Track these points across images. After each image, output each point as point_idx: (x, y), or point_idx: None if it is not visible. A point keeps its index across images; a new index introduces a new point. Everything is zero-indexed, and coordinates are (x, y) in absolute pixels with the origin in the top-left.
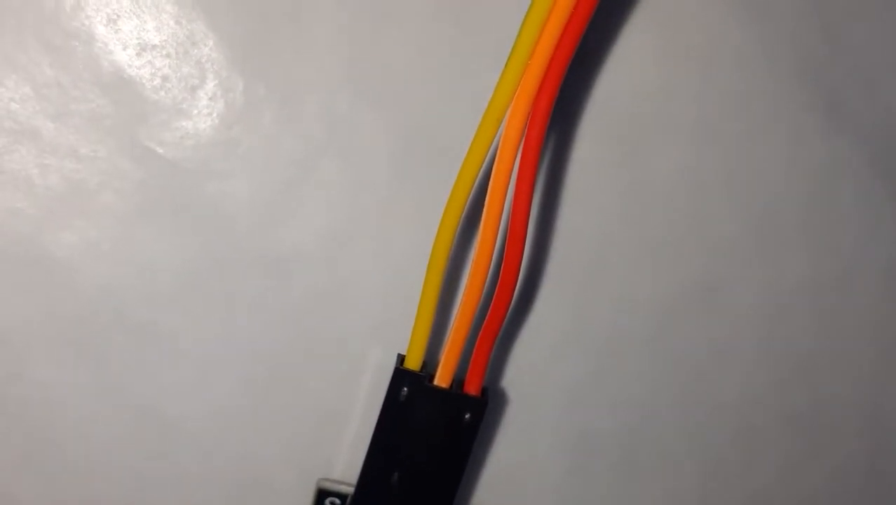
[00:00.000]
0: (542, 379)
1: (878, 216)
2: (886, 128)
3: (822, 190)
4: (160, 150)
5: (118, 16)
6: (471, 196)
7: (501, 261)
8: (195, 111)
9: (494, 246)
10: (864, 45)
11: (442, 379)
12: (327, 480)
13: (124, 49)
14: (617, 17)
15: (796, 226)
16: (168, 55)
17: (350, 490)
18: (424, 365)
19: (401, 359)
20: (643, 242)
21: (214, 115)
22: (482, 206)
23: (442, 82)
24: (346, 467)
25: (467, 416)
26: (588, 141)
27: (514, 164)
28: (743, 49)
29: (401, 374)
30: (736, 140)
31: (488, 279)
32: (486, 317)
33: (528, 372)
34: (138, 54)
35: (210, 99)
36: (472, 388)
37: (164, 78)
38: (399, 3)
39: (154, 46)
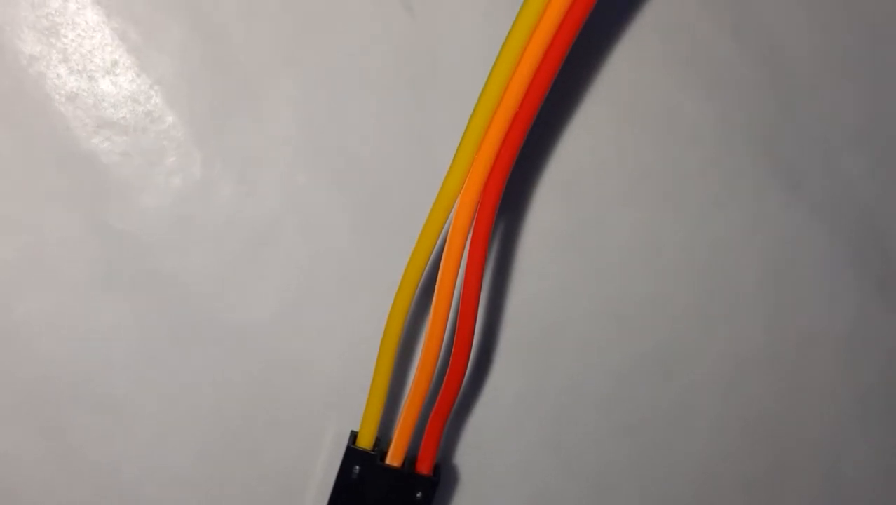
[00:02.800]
0: (497, 449)
1: (837, 284)
2: (845, 198)
3: (780, 259)
4: (118, 225)
5: (76, 94)
6: (425, 273)
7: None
8: (153, 186)
9: (445, 327)
10: (822, 116)
11: (394, 457)
12: None
13: (83, 126)
14: (575, 87)
15: (754, 294)
16: (126, 132)
17: None
18: (378, 441)
19: (353, 436)
20: (600, 310)
21: (172, 190)
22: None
23: (399, 157)
24: None
25: (419, 494)
26: (545, 208)
27: (463, 250)
28: (701, 119)
29: (352, 453)
30: (694, 209)
31: (442, 355)
32: (438, 397)
33: (483, 444)
34: (96, 131)
35: (168, 174)
36: (423, 466)
37: (123, 154)
38: (356, 79)
39: (113, 123)
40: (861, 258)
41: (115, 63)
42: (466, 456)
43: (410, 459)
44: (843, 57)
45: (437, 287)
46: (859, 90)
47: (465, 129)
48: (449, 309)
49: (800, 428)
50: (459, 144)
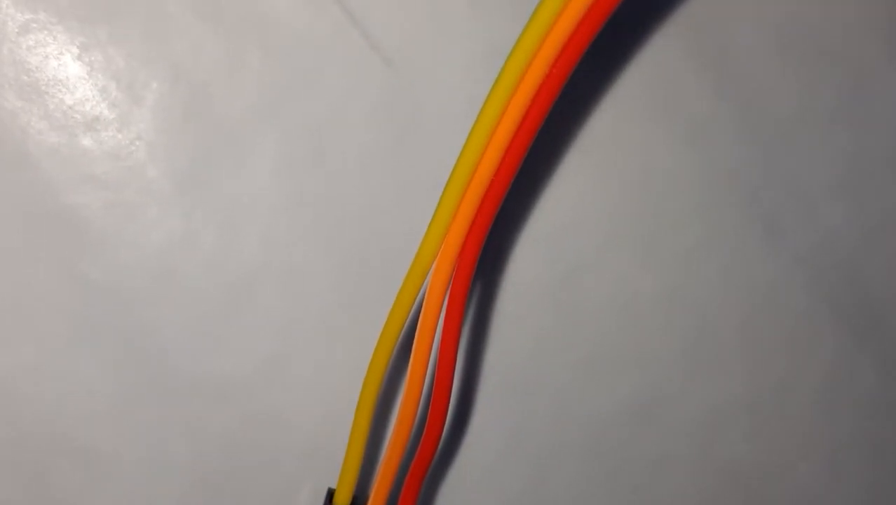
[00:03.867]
0: (477, 503)
1: (815, 333)
2: (824, 249)
3: (759, 307)
4: (99, 278)
5: (57, 150)
6: (404, 330)
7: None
8: (134, 240)
9: (422, 386)
10: (802, 167)
11: None
12: None
13: (64, 181)
14: (555, 139)
15: (732, 342)
16: (107, 186)
17: None
18: (355, 499)
19: (330, 494)
20: (579, 360)
21: (153, 243)
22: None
23: (380, 209)
24: None
25: None
26: (524, 260)
27: (439, 314)
28: (681, 171)
29: None
30: (673, 260)
31: (420, 411)
32: (416, 453)
33: (462, 498)
34: (77, 186)
35: (149, 228)
36: None
37: (104, 208)
38: (337, 132)
39: (93, 178)
40: (839, 307)
41: (96, 119)
42: None
43: None
44: (823, 108)
45: (413, 350)
46: (839, 141)
47: (441, 198)
48: (426, 369)
49: (777, 476)
50: (435, 212)
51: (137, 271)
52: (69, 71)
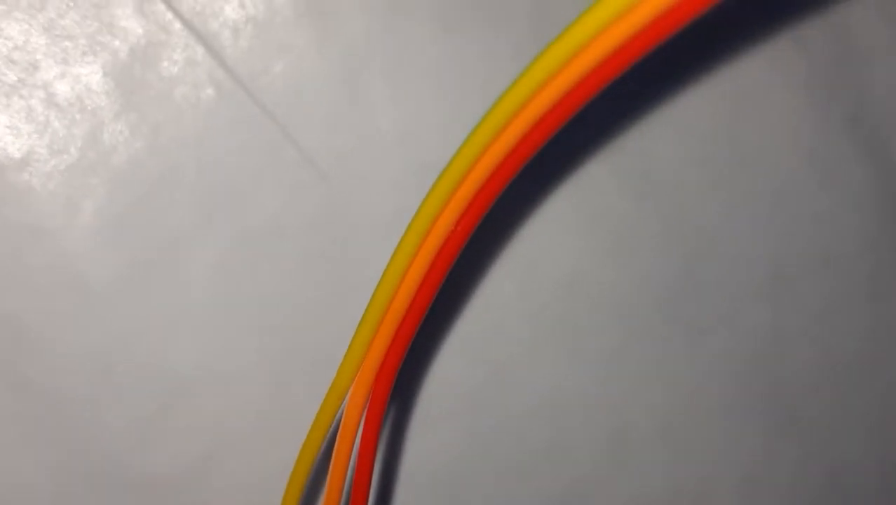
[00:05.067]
0: None
1: (738, 431)
2: (745, 350)
3: (682, 407)
4: (37, 379)
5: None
6: (324, 446)
7: None
8: (73, 341)
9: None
10: (723, 272)
11: None
12: None
13: (5, 289)
14: (480, 250)
15: (655, 441)
16: (44, 292)
17: None
18: None
19: None
20: (504, 461)
21: (90, 345)
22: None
23: (313, 318)
24: None
25: None
26: (449, 361)
27: (355, 436)
28: (605, 277)
29: None
30: (597, 361)
31: None
32: None
33: None
34: (15, 290)
35: (87, 331)
36: None
37: (45, 313)
38: (273, 244)
39: (33, 290)
40: (762, 405)
41: (37, 228)
42: None
43: None
44: (744, 214)
45: (329, 473)
46: (760, 245)
47: (357, 329)
48: (342, 492)
49: None
50: (351, 342)
51: (74, 373)
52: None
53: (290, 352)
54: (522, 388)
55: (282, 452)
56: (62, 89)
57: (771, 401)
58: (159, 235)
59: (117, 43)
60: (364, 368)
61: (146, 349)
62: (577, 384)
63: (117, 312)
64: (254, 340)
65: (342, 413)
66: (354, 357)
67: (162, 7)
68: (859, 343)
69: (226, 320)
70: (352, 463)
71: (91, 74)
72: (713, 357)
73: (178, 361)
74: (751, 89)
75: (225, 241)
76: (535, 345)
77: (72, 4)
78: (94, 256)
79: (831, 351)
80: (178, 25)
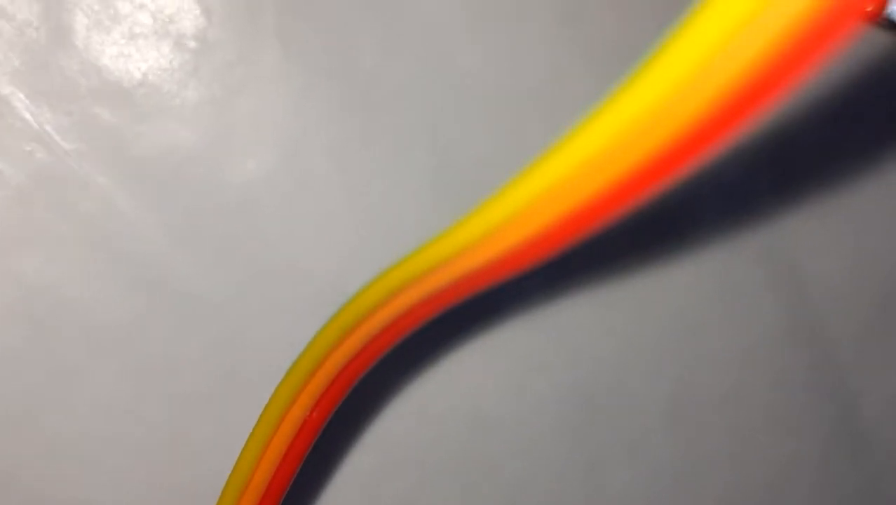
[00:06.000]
0: None
1: None
2: (649, 483)
3: None
4: None
5: None
6: None
7: None
8: None
9: None
10: (625, 407)
11: None
12: None
13: None
14: (379, 382)
15: None
16: None
17: None
18: None
19: None
20: None
21: None
22: None
23: (203, 454)
24: None
25: None
26: (342, 501)
27: None
28: (504, 415)
29: None
30: (492, 497)
31: None
32: None
33: None
34: None
35: None
36: None
37: None
38: (160, 379)
39: None
40: None
41: None
42: None
43: None
44: (648, 345)
45: None
46: (664, 377)
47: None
48: None
49: None
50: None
51: None
52: None
53: (173, 490)
54: None
55: None
56: None
57: None
58: (49, 368)
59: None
60: None
61: (31, 479)
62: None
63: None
64: (141, 472)
65: None
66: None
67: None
68: (767, 478)
69: (110, 454)
70: None
71: None
72: (614, 492)
73: (59, 494)
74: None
75: (115, 374)
76: (427, 484)
77: None
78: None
79: (739, 485)
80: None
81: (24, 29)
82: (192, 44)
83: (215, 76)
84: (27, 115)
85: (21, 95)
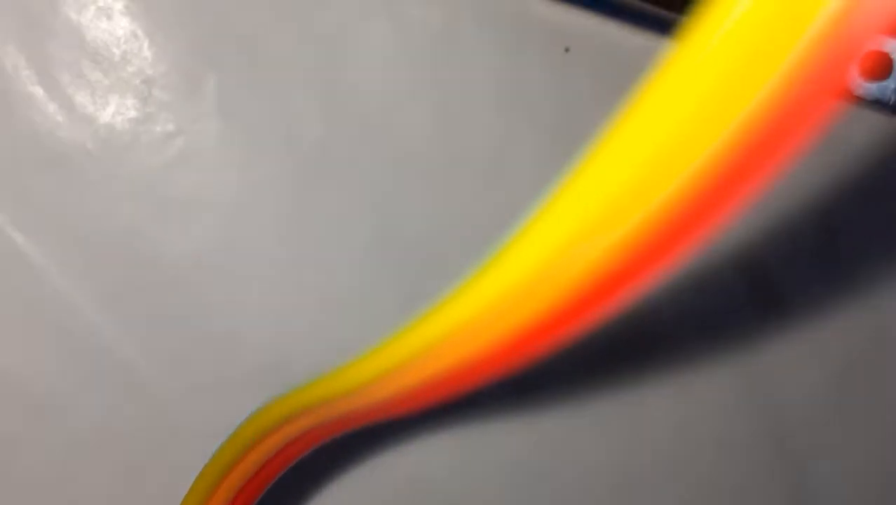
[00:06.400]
0: None
1: None
2: None
3: None
4: None
5: None
6: None
7: None
8: None
9: None
10: (574, 482)
11: None
12: None
13: None
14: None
15: None
16: None
17: None
18: None
19: None
20: None
21: None
22: None
23: None
24: None
25: None
26: None
27: None
28: (450, 488)
29: None
30: None
31: None
32: None
33: None
34: None
35: None
36: None
37: None
38: (96, 453)
39: None
40: None
41: None
42: None
43: None
44: (596, 421)
45: None
46: (614, 452)
47: None
48: None
49: None
50: None
51: None
52: None
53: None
54: None
55: None
56: None
57: None
58: None
59: None
60: None
61: None
62: None
63: None
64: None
65: None
66: None
67: None
68: None
69: None
70: None
71: None
72: None
73: None
74: None
75: (50, 445)
76: None
77: None
78: None
79: None
80: None
81: None
82: (132, 113)
83: (155, 147)
84: None
85: None
